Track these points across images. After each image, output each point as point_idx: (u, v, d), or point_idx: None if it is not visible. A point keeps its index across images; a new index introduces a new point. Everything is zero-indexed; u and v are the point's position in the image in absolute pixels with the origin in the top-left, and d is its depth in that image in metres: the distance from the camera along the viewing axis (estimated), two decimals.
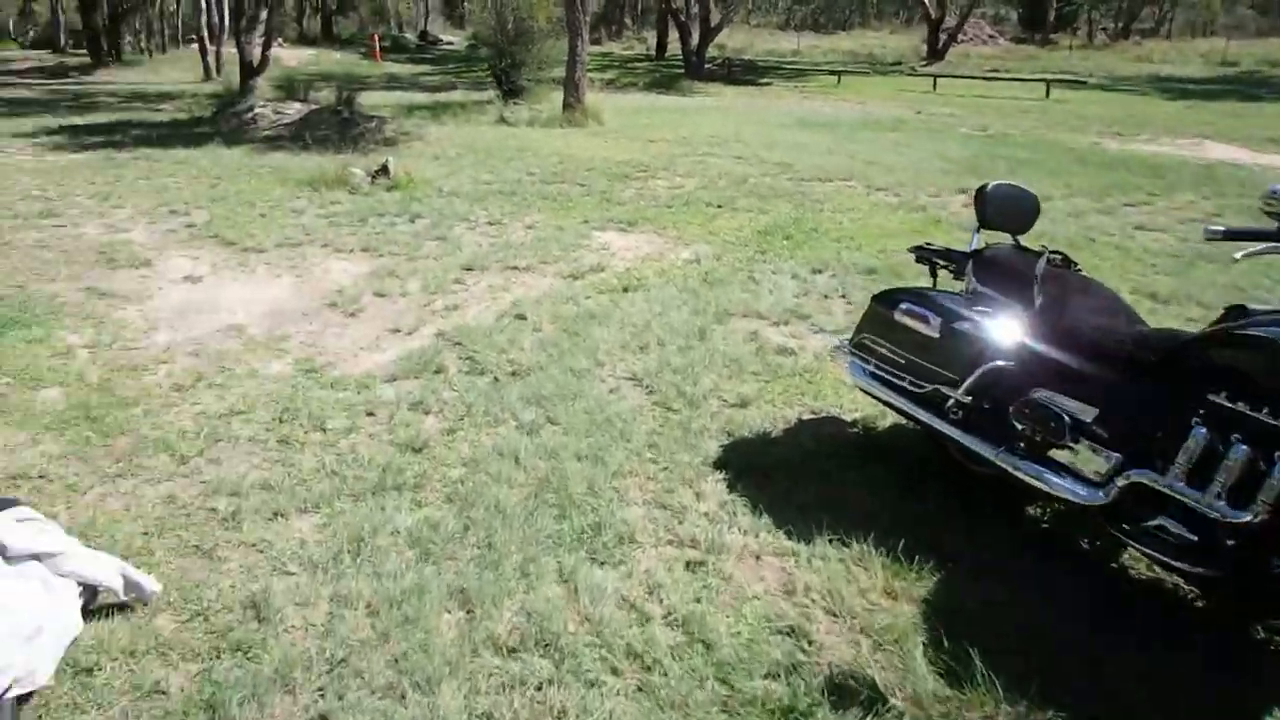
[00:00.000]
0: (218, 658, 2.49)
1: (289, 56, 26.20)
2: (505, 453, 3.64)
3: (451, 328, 5.06)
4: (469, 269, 6.20)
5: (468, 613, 2.70)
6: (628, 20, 45.98)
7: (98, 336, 4.79)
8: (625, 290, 5.76)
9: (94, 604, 2.60)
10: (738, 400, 4.16)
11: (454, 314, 5.34)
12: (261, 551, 2.97)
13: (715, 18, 26.89)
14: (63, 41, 31.81)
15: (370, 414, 4.00)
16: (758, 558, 3.00)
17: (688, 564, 2.96)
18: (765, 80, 26.10)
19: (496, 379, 4.40)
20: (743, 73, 27.55)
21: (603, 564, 2.94)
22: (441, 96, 18.34)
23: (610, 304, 5.50)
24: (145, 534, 3.03)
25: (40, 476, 3.38)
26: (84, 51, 27.24)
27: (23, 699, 2.24)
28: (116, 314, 5.15)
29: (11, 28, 36.21)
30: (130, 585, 2.59)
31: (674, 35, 30.46)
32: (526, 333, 5.01)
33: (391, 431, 3.83)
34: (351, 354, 4.71)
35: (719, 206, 8.27)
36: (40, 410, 3.91)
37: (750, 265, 6.37)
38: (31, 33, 35.78)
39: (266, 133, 12.07)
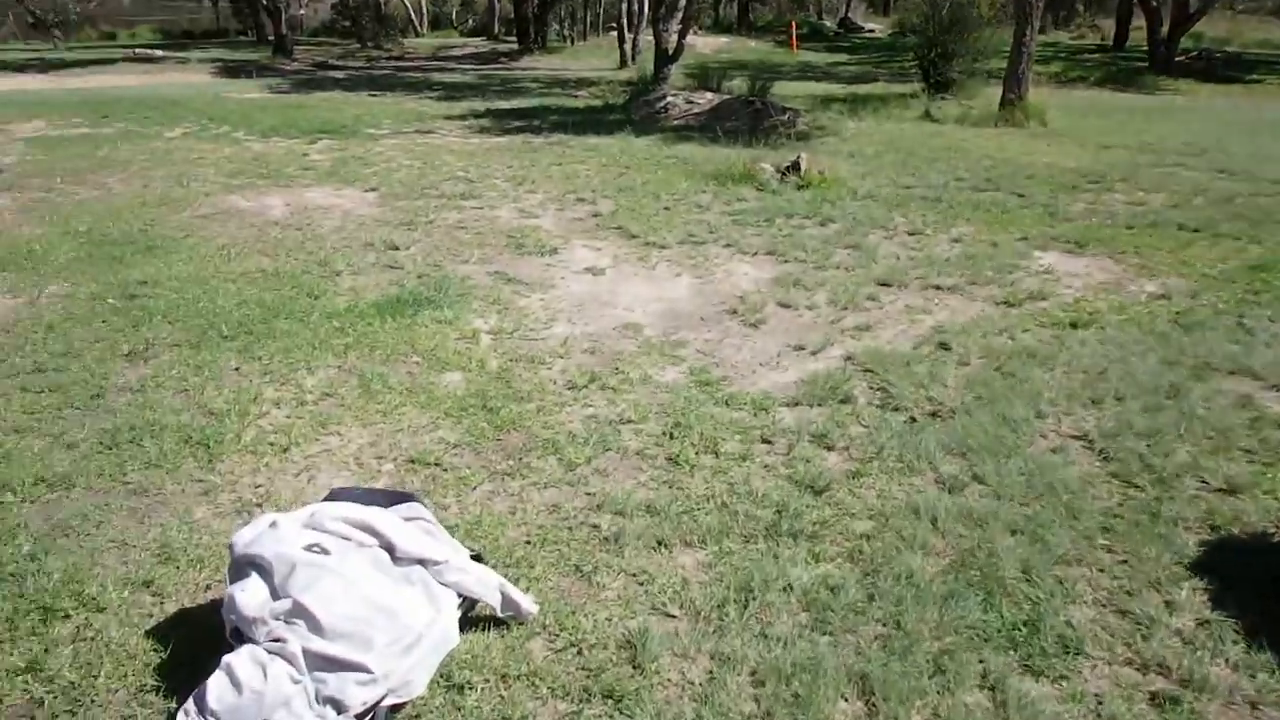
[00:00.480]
0: (588, 700, 2.48)
1: (703, 44, 27.84)
2: (921, 511, 3.37)
3: (862, 351, 4.83)
4: (884, 284, 5.93)
5: (868, 705, 2.49)
6: (1079, 6, 42.46)
7: (501, 323, 5.25)
8: (1074, 326, 5.24)
9: (471, 613, 2.72)
10: (1225, 484, 3.59)
11: (865, 335, 5.10)
12: (642, 584, 2.96)
13: (1194, 3, 23.72)
14: (496, 29, 36.97)
15: (767, 441, 3.89)
16: (1255, 707, 2.51)
17: (1153, 696, 2.54)
18: (1253, 77, 22.62)
19: (913, 418, 4.11)
20: (1223, 67, 24.07)
21: (1039, 675, 2.61)
22: (860, 88, 18.23)
23: (1054, 341, 5.01)
24: (528, 543, 3.16)
25: (435, 464, 3.70)
26: (513, 39, 31.36)
27: (395, 708, 2.38)
28: (521, 301, 5.63)
29: (454, 17, 42.77)
30: (508, 603, 2.67)
31: (1138, 22, 27.47)
32: (950, 366, 4.66)
33: (790, 465, 3.69)
34: (750, 369, 4.66)
35: (1195, 230, 7.32)
36: (443, 394, 4.33)
37: (1239, 308, 5.54)
38: (470, 21, 42.00)
39: (676, 122, 12.78)
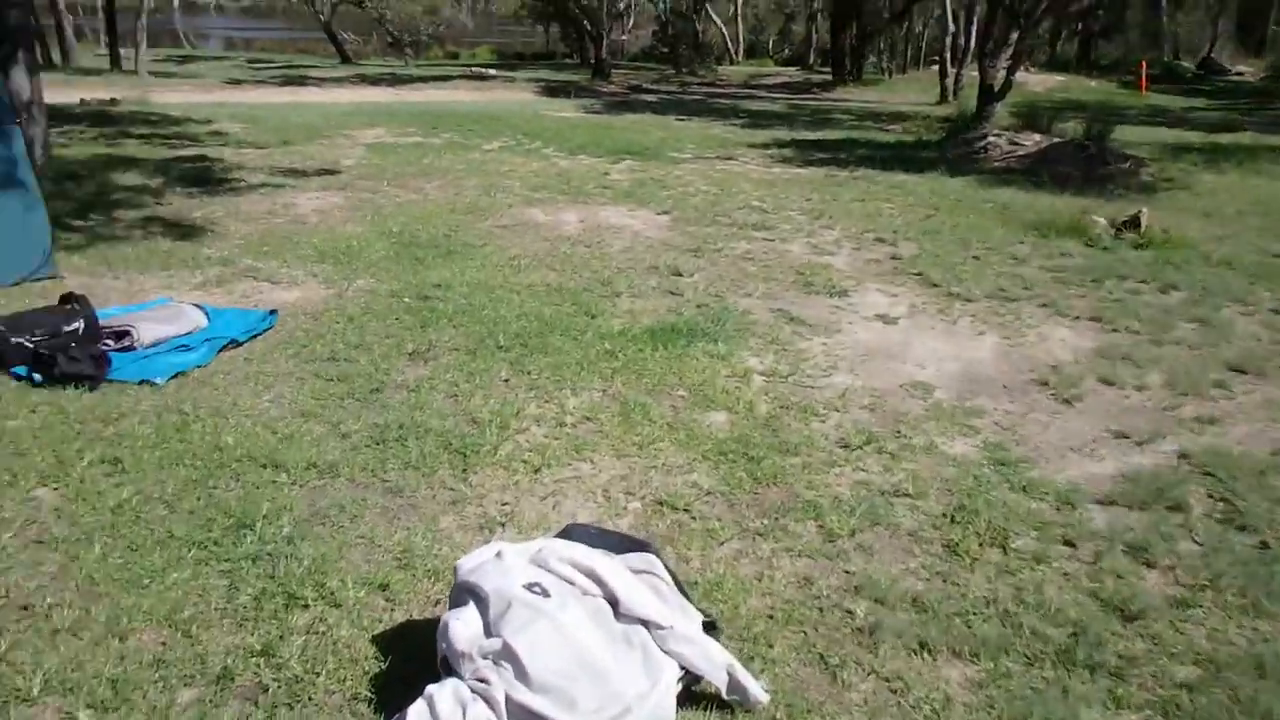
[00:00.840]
0: None
1: (1035, 82, 26.26)
2: (1268, 667, 2.72)
3: (1203, 449, 4.11)
4: (1239, 370, 5.08)
5: None
6: None
7: (776, 365, 5.00)
8: None
9: (694, 688, 2.48)
10: None
11: (1209, 429, 4.35)
12: (895, 693, 2.59)
13: None
14: (811, 59, 37.07)
15: (1069, 543, 3.36)
16: None
17: None
18: None
19: (1265, 544, 3.41)
20: None
21: None
22: (1222, 138, 16.29)
23: None
24: (770, 617, 2.88)
25: (685, 510, 3.51)
26: (828, 69, 31.25)
27: None
28: (801, 344, 5.35)
29: (770, 46, 43.44)
30: (735, 686, 2.40)
31: None
32: None
33: (1095, 578, 3.15)
34: (1057, 453, 4.09)
35: None
36: (704, 434, 4.14)
37: None
38: (786, 50, 42.44)
39: (997, 164, 12.00)
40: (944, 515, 3.51)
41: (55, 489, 3.55)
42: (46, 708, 2.46)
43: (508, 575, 2.41)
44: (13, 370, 4.59)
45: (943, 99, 22.47)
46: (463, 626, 2.33)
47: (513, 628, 2.28)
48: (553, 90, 24.32)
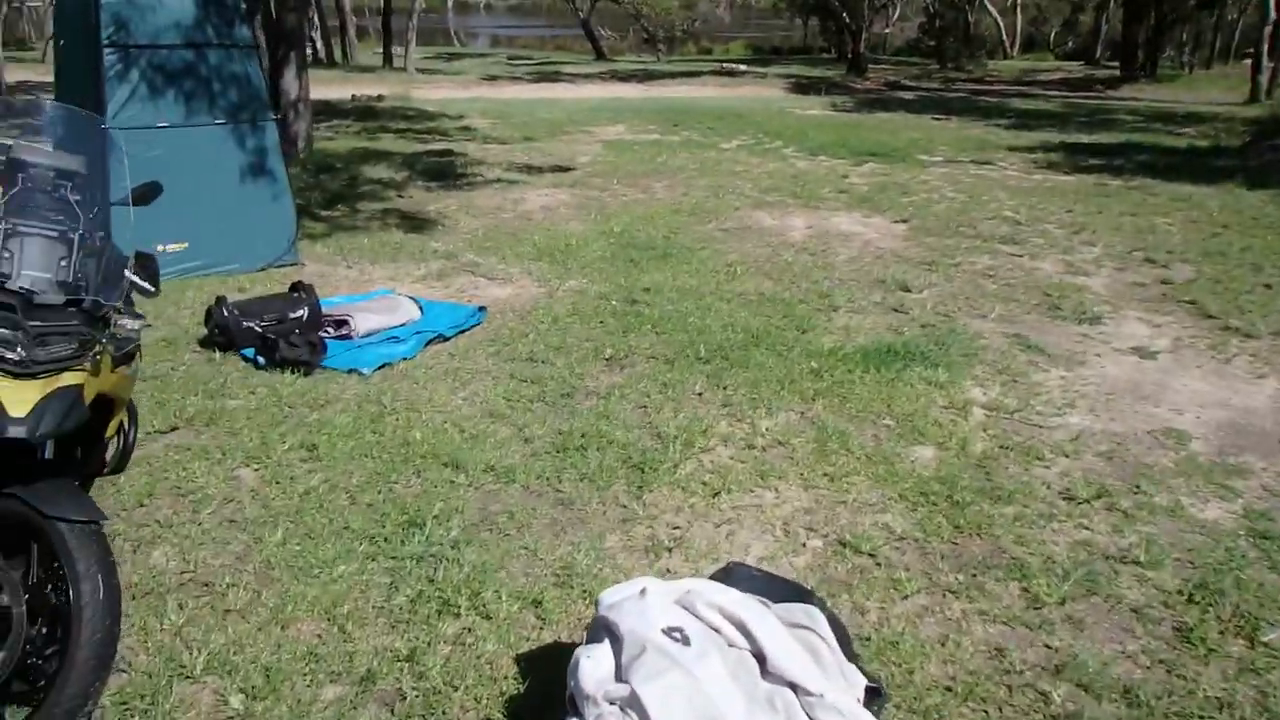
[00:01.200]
0: None
1: None
2: None
3: None
4: None
5: None
6: None
7: (1003, 398, 4.61)
8: None
9: None
10: None
11: None
12: None
13: None
14: (1099, 52, 34.57)
15: None
16: None
17: None
18: None
19: None
20: None
21: None
22: None
23: None
24: (948, 689, 2.61)
25: (870, 554, 3.27)
26: (1116, 64, 29.01)
27: None
28: (1035, 375, 4.92)
29: (1051, 39, 40.89)
30: None
31: None
32: None
33: None
34: None
35: None
36: (905, 471, 3.86)
37: None
38: (1070, 43, 39.82)
39: None
40: (1180, 592, 3.07)
41: (255, 470, 3.82)
42: (205, 687, 2.61)
43: (647, 616, 2.30)
44: (241, 351, 5.01)
45: (1253, 98, 20.29)
46: (593, 666, 2.25)
47: (643, 675, 2.17)
48: (803, 87, 24.04)
